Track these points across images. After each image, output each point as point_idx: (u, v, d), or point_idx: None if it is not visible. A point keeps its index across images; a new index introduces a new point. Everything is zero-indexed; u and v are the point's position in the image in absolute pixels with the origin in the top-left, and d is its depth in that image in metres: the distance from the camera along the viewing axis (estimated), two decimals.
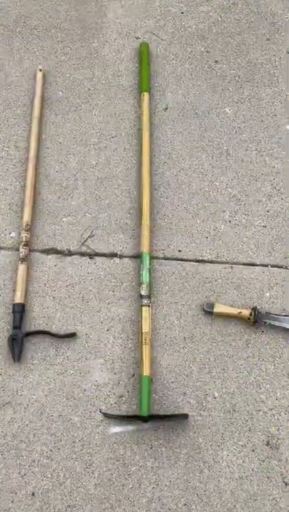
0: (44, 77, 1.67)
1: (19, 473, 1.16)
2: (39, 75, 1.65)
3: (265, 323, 1.31)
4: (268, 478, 1.16)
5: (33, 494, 1.14)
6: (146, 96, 1.62)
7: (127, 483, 1.15)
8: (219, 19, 1.83)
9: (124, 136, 1.60)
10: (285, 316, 1.32)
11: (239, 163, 1.57)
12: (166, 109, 1.66)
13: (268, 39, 1.81)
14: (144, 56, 1.70)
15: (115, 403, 1.23)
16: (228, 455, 1.18)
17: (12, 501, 1.13)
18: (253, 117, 1.65)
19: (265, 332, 1.32)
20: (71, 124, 1.62)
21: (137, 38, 1.79)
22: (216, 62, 1.76)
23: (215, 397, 1.24)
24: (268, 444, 1.20)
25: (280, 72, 1.74)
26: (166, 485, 1.15)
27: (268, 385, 1.26)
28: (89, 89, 1.69)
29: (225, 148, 1.60)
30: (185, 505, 1.13)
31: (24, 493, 1.14)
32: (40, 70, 1.66)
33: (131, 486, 1.15)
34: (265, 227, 1.47)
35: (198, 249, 1.43)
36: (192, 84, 1.71)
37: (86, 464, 1.17)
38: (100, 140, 1.59)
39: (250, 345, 1.30)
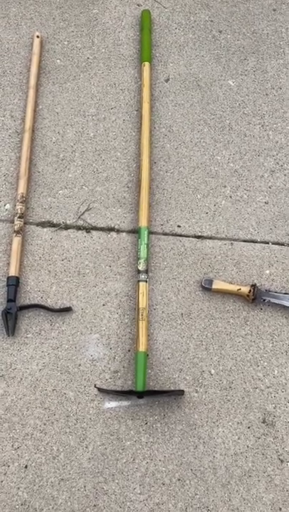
0: (41, 44, 1.61)
1: (12, 446, 1.15)
2: (36, 41, 1.59)
3: (264, 300, 1.28)
4: (263, 455, 1.15)
5: (26, 467, 1.13)
6: (147, 66, 1.56)
7: (121, 458, 1.14)
8: None
9: (124, 107, 1.55)
10: (284, 293, 1.29)
11: (242, 137, 1.53)
12: (168, 80, 1.60)
13: (274, 9, 1.74)
14: (145, 24, 1.63)
15: (110, 378, 1.21)
16: (223, 432, 1.17)
17: (5, 474, 1.12)
18: (257, 90, 1.60)
19: (263, 310, 1.30)
20: (69, 93, 1.57)
21: (138, 5, 1.72)
22: (220, 32, 1.69)
23: (211, 374, 1.23)
24: (264, 421, 1.18)
25: (286, 44, 1.68)
26: (160, 460, 1.14)
27: (265, 363, 1.24)
28: (88, 57, 1.63)
29: (227, 121, 1.55)
30: (179, 480, 1.13)
31: (17, 466, 1.13)
32: (38, 36, 1.60)
33: (125, 460, 1.14)
34: (266, 203, 1.44)
35: (198, 224, 1.40)
36: (195, 54, 1.65)
37: (80, 438, 1.16)
38: (98, 111, 1.54)
39: (248, 322, 1.28)
